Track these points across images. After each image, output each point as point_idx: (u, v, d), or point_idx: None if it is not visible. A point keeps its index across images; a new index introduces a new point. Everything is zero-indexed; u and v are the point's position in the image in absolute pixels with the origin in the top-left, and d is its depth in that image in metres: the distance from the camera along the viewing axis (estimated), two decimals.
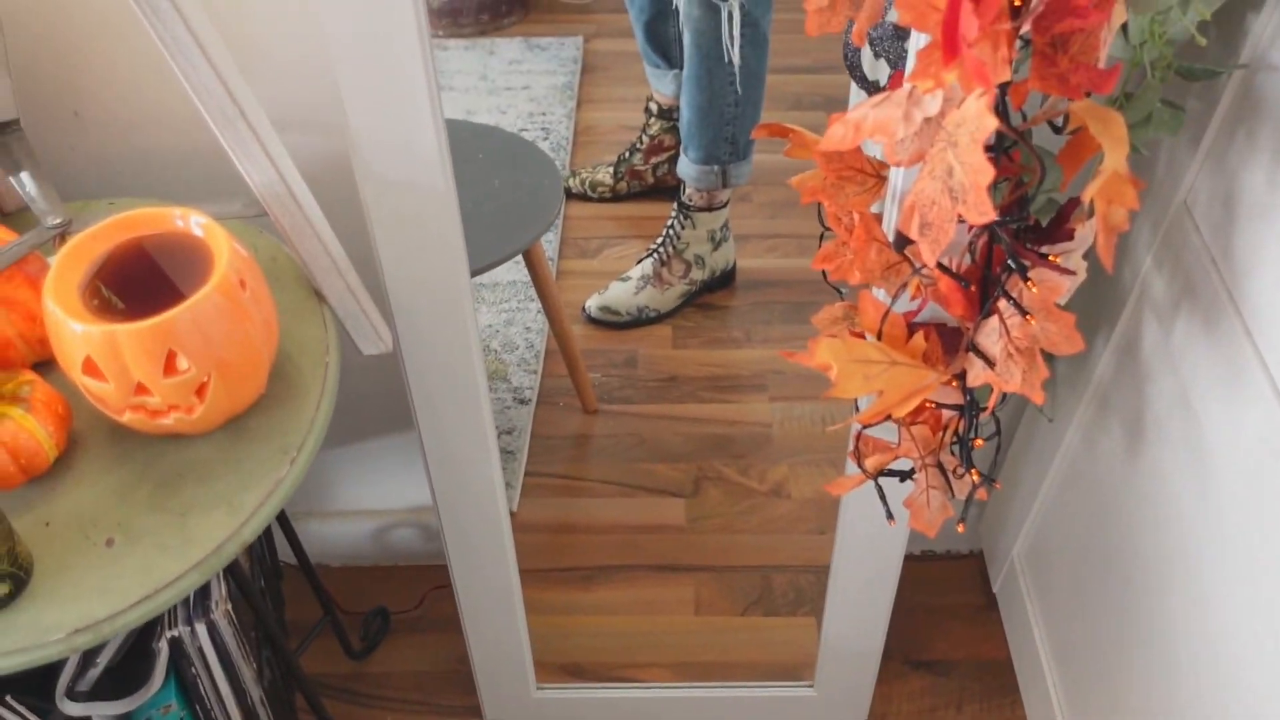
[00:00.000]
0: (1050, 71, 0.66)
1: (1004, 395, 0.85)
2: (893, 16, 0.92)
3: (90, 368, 0.71)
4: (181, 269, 0.79)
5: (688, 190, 1.98)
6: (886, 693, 1.42)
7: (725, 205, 2.01)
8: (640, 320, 2.00)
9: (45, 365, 0.83)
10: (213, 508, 0.76)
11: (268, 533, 1.23)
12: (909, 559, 1.56)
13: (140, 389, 0.72)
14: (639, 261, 2.02)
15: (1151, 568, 1.02)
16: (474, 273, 1.41)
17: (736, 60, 1.75)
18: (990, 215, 0.63)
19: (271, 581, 1.04)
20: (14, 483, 0.75)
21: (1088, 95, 0.70)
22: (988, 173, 0.63)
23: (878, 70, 0.93)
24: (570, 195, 2.28)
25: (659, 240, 2.02)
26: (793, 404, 1.86)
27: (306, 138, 1.02)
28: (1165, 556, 0.99)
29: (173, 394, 0.73)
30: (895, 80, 0.93)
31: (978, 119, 0.64)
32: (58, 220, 0.80)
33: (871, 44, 0.92)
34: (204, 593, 0.88)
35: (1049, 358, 1.21)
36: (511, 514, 1.66)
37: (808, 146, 0.98)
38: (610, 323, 2.00)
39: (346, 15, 0.78)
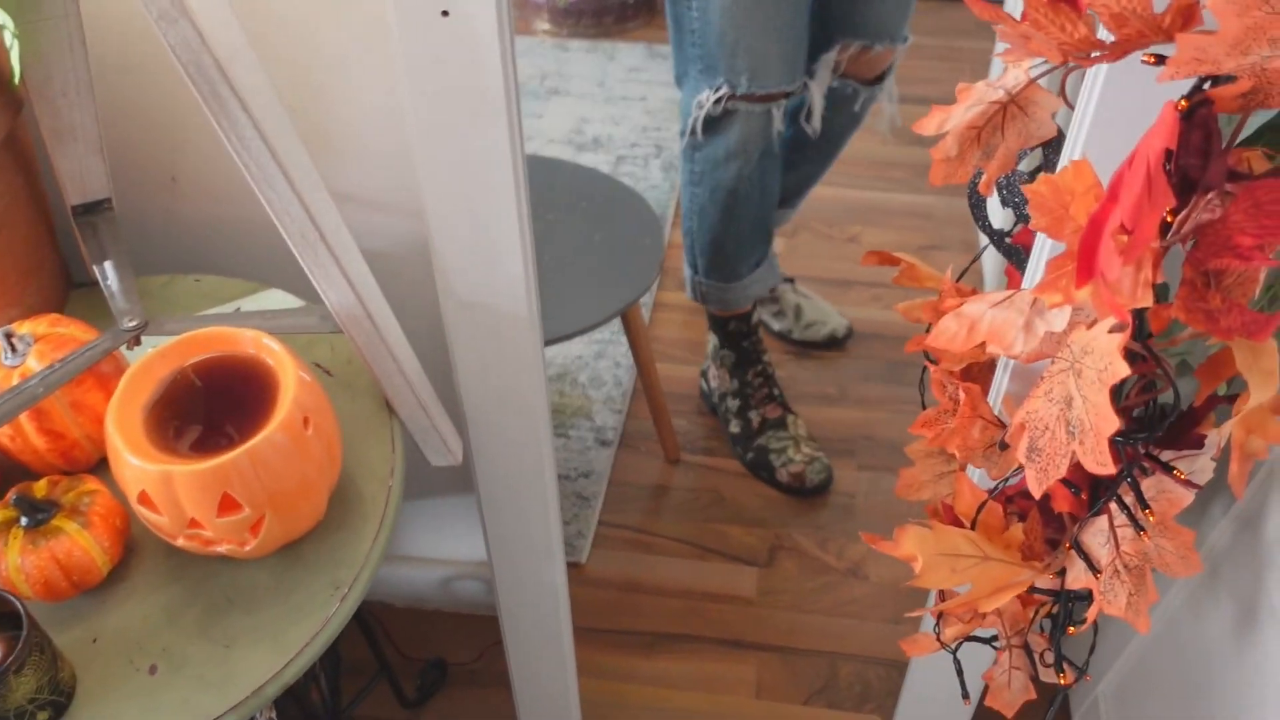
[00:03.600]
0: (1198, 305, 0.58)
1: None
2: (1024, 165, 0.85)
3: (145, 500, 0.70)
4: (250, 384, 0.77)
5: None
6: None
7: None
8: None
9: None
10: (258, 641, 0.74)
11: None
12: None
13: (194, 524, 0.70)
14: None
15: None
16: (564, 338, 1.37)
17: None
18: (1110, 469, 0.57)
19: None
20: (66, 596, 0.74)
21: None
22: (1113, 423, 0.56)
23: (1005, 218, 0.86)
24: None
25: None
26: (880, 474, 1.79)
27: (391, 218, 0.99)
28: None
29: (226, 532, 0.71)
30: (1023, 234, 0.86)
31: (1108, 358, 0.57)
32: (134, 323, 0.78)
33: (999, 190, 0.85)
34: None
35: None
36: (580, 565, 1.64)
37: (918, 279, 0.92)
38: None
39: (441, 143, 0.75)
